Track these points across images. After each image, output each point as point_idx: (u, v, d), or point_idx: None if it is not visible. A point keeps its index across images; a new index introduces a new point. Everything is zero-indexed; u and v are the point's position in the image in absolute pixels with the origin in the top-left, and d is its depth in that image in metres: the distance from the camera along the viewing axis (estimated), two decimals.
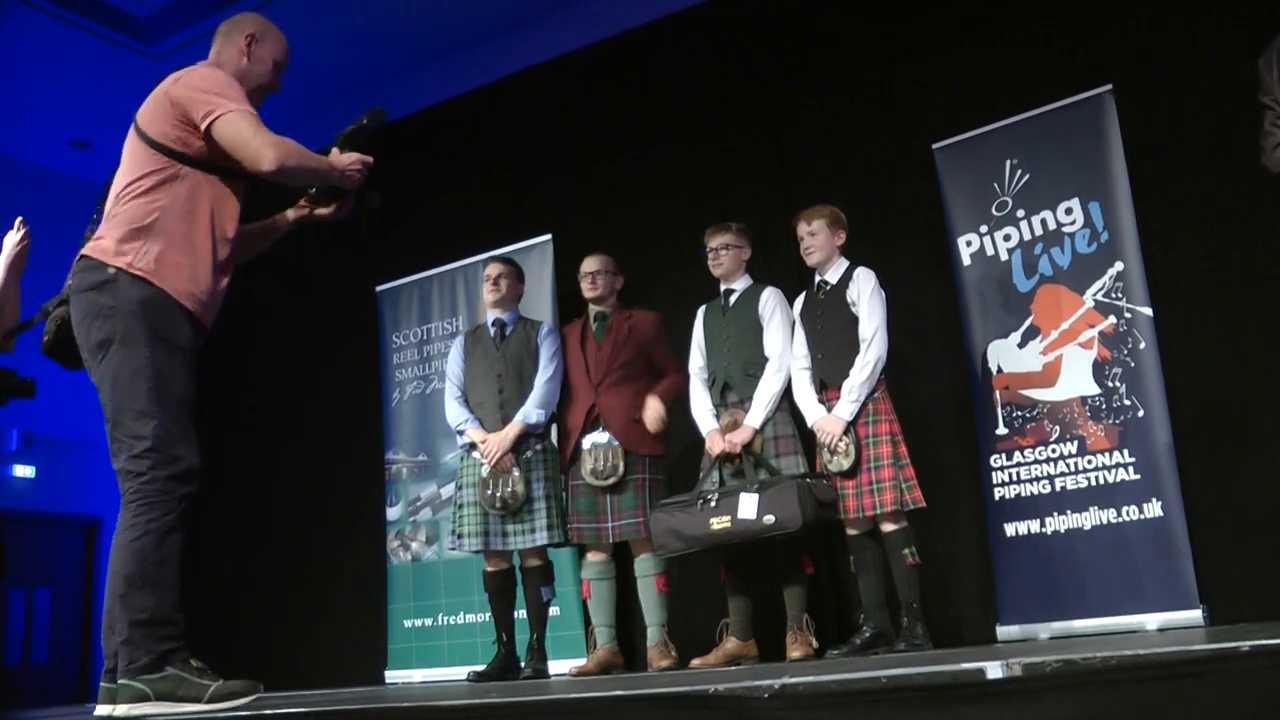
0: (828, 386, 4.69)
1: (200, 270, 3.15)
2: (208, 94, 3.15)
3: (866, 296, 4.64)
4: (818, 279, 4.84)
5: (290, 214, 3.56)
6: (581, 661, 5.27)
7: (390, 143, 7.57)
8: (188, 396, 3.10)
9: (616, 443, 5.03)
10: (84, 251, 3.15)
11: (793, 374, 4.79)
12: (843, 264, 4.80)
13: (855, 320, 4.64)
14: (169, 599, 2.94)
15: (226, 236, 3.24)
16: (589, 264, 5.31)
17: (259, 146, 3.11)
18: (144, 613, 2.89)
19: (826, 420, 4.61)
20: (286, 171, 3.16)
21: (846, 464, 4.54)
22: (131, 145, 3.24)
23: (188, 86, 3.17)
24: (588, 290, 5.29)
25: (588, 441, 5.07)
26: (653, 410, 4.97)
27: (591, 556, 5.13)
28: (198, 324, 3.18)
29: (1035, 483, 4.89)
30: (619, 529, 5.01)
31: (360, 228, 3.46)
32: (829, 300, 4.76)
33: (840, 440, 4.55)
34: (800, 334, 4.83)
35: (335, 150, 3.38)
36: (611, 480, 5.00)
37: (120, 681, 2.90)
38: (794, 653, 4.64)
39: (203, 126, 3.12)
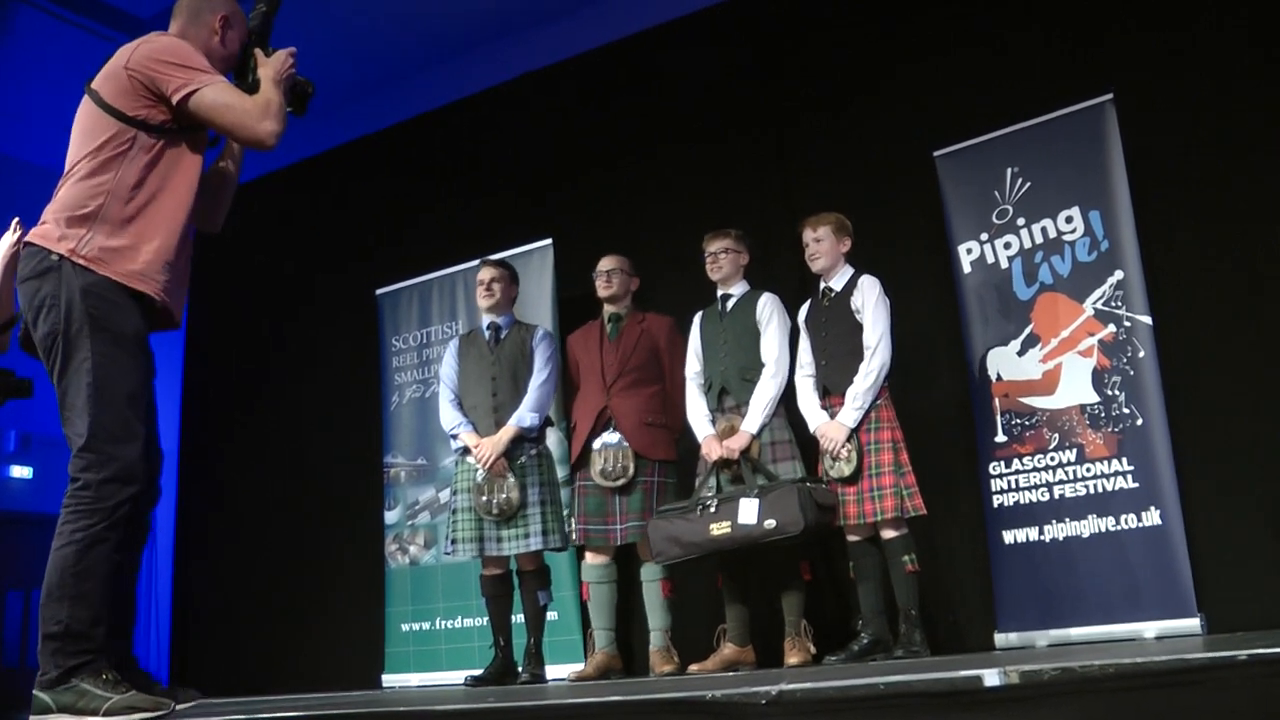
0: (831, 393, 4.69)
1: (150, 251, 3.03)
2: (179, 66, 3.05)
3: (871, 304, 4.65)
4: (822, 286, 4.84)
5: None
6: (579, 666, 5.26)
7: (391, 147, 7.63)
8: (134, 390, 3.01)
9: (627, 444, 5.03)
10: (28, 238, 3.06)
11: (796, 380, 4.80)
12: (848, 271, 4.81)
13: (859, 327, 4.65)
14: (85, 613, 2.85)
15: (181, 209, 3.12)
16: (605, 263, 5.31)
17: (254, 124, 3.06)
18: (57, 625, 2.82)
19: (829, 427, 4.61)
20: (280, 134, 3.11)
21: (848, 470, 4.54)
22: (85, 114, 3.11)
23: (151, 58, 3.06)
24: (602, 289, 5.29)
25: (598, 442, 5.07)
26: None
27: (592, 559, 5.12)
28: (151, 307, 3.06)
29: (1034, 490, 4.88)
30: (625, 531, 5.00)
31: (298, 114, 3.36)
32: (833, 307, 4.76)
33: (843, 447, 4.56)
34: (804, 340, 4.83)
35: (259, 53, 3.27)
36: (621, 481, 5.00)
37: (33, 693, 2.87)
38: (791, 659, 4.64)
39: (175, 98, 3.02)
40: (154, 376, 3.25)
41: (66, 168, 3.10)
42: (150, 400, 3.22)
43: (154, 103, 3.06)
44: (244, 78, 3.29)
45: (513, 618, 5.13)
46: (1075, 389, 4.86)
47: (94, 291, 2.95)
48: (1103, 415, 4.77)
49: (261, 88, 3.18)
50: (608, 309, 5.32)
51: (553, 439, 5.31)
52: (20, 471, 8.23)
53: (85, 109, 3.13)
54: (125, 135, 3.05)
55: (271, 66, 3.22)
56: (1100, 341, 4.83)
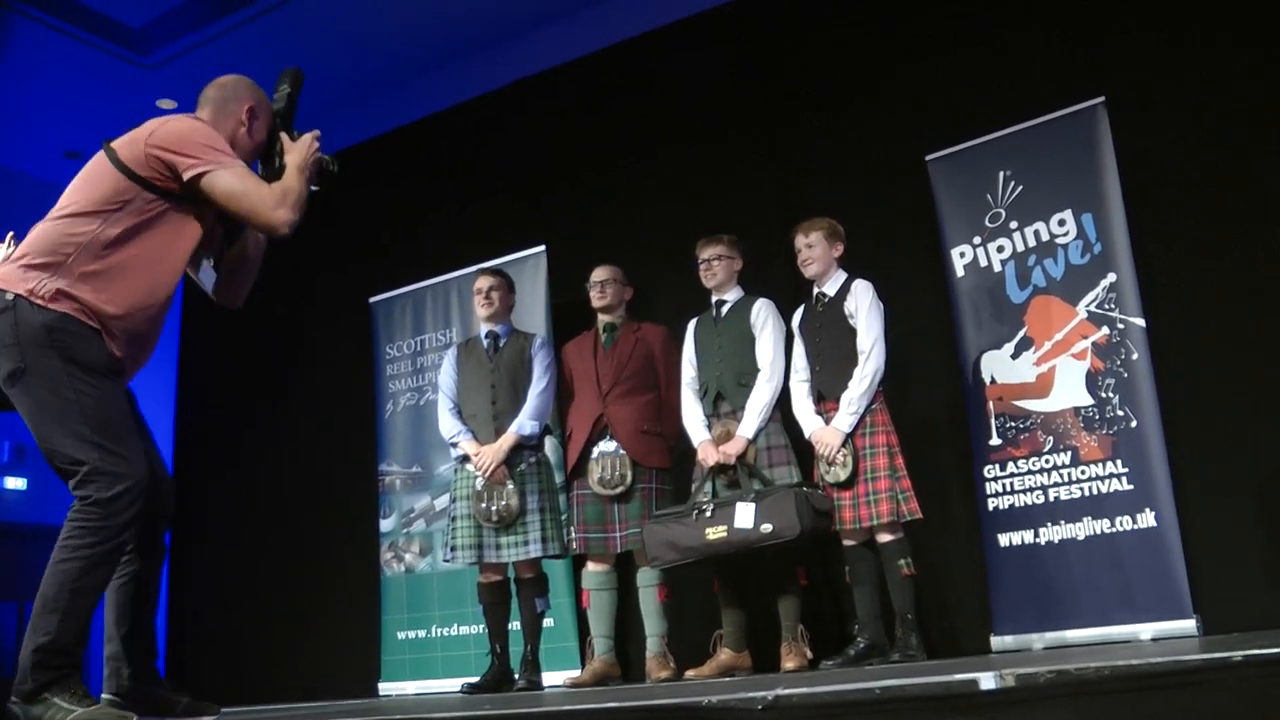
0: (826, 398, 4.69)
1: (112, 305, 2.98)
2: (198, 144, 3.03)
3: (865, 309, 4.65)
4: (816, 291, 4.85)
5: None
6: (576, 673, 5.26)
7: (384, 154, 7.63)
8: (120, 412, 2.99)
9: (624, 452, 5.04)
10: None
11: (791, 386, 4.81)
12: (841, 276, 4.81)
13: (853, 332, 4.65)
14: (73, 629, 2.84)
15: (160, 278, 3.07)
16: (598, 273, 5.33)
17: (268, 212, 3.03)
18: (45, 637, 2.82)
19: (825, 432, 4.61)
20: (296, 223, 3.09)
21: (844, 475, 4.55)
22: (93, 164, 3.09)
23: (174, 135, 3.04)
24: (596, 299, 5.30)
25: (595, 451, 5.08)
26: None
27: (593, 566, 5.13)
28: (113, 355, 2.99)
29: (1029, 493, 4.89)
30: (625, 538, 5.02)
31: (325, 191, 3.34)
32: (827, 312, 4.77)
33: (838, 452, 4.56)
34: (799, 346, 4.84)
35: (285, 137, 3.27)
36: (619, 489, 5.01)
37: (10, 702, 2.86)
38: (788, 664, 4.64)
39: (187, 176, 2.99)
40: (136, 404, 3.23)
41: (54, 208, 3.06)
42: (142, 428, 3.21)
43: (167, 178, 3.02)
44: (270, 163, 3.29)
45: (510, 625, 5.13)
46: (1069, 392, 4.87)
47: (57, 327, 2.90)
48: (1097, 418, 4.78)
49: (285, 174, 3.17)
50: (602, 319, 5.33)
51: (549, 446, 5.31)
52: (14, 483, 8.21)
53: (96, 160, 3.10)
54: (123, 193, 3.01)
55: (298, 153, 3.22)
56: (1094, 344, 4.83)
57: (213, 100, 3.29)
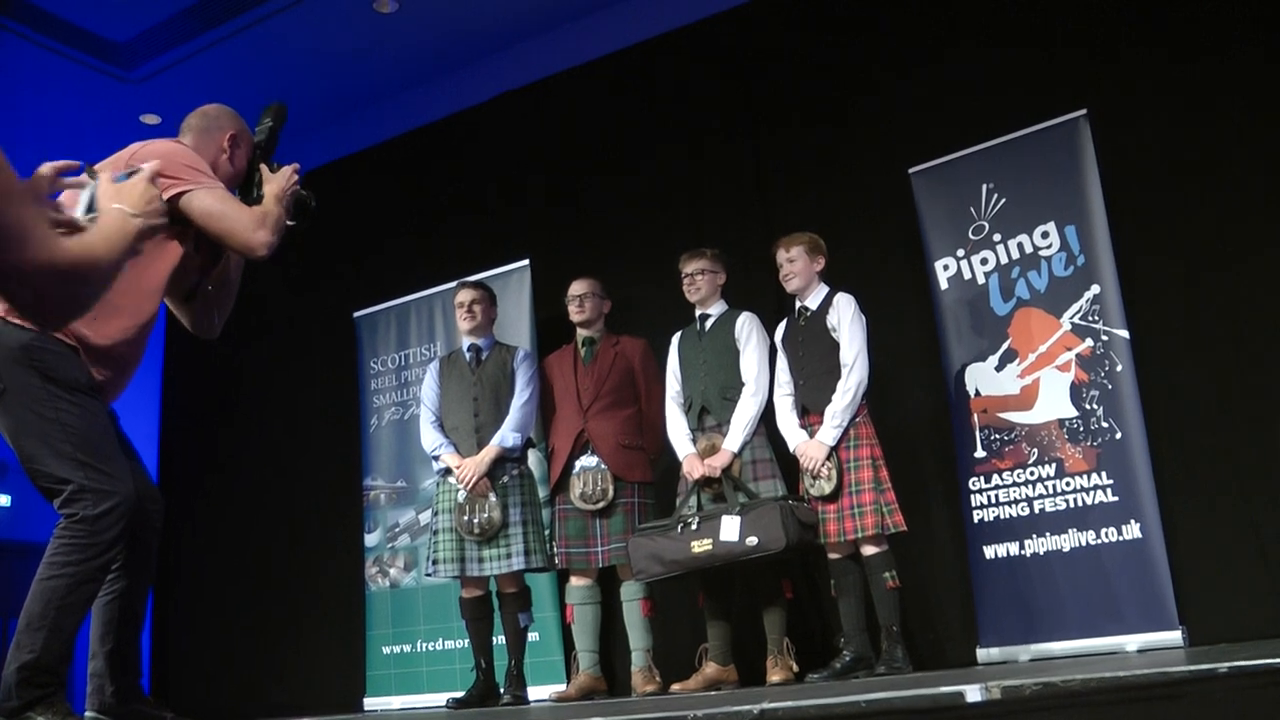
0: (809, 412, 4.70)
1: (92, 330, 2.98)
2: (179, 165, 3.06)
3: (847, 322, 4.66)
4: (798, 305, 4.85)
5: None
6: (561, 687, 5.25)
7: (367, 169, 7.62)
8: (103, 430, 2.99)
9: (605, 467, 5.03)
10: None
11: (775, 400, 4.81)
12: (823, 290, 4.82)
13: (836, 346, 4.66)
14: (58, 647, 2.84)
15: (141, 301, 3.09)
16: (576, 287, 5.33)
17: (247, 235, 3.06)
18: (30, 654, 2.81)
19: (809, 445, 4.61)
20: (274, 245, 3.12)
21: (828, 488, 4.55)
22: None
23: (155, 156, 2.95)
24: (575, 314, 5.30)
25: (577, 465, 5.08)
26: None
27: (576, 581, 5.12)
28: (91, 375, 2.99)
29: (1014, 505, 4.89)
30: (608, 553, 5.01)
31: (301, 227, 3.35)
32: (810, 326, 4.77)
33: (823, 465, 4.56)
34: (782, 360, 4.84)
35: (264, 168, 3.33)
36: (600, 504, 5.01)
37: None
38: (774, 677, 4.63)
39: (167, 195, 2.95)
40: (118, 423, 3.22)
41: None
42: (126, 446, 3.20)
43: None
44: (249, 192, 3.34)
45: (494, 639, 5.11)
46: (1053, 404, 4.88)
47: (35, 345, 2.90)
48: (1081, 429, 4.79)
49: (264, 202, 3.22)
50: (581, 333, 5.33)
51: (532, 459, 5.31)
52: None
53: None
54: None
55: (276, 183, 3.27)
56: (1077, 356, 4.85)
57: (195, 127, 3.35)
